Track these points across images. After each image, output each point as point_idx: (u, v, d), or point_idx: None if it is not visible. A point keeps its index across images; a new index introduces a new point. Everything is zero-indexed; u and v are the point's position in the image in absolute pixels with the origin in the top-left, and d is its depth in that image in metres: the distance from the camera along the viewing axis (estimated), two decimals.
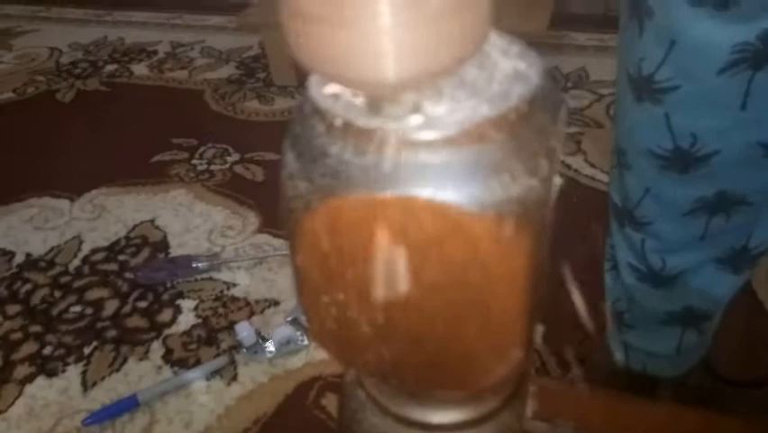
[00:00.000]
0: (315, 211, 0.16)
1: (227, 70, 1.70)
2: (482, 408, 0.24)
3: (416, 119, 0.15)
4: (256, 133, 1.44)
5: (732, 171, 0.54)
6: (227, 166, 1.33)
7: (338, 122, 0.15)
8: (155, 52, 1.83)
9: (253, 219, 1.17)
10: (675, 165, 0.54)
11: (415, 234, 0.15)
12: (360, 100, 0.16)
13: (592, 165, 1.19)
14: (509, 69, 0.16)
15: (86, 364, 0.92)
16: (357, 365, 0.21)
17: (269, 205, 1.20)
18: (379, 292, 0.17)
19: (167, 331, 0.96)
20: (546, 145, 0.15)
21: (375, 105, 0.15)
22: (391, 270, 0.16)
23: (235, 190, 1.25)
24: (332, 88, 0.16)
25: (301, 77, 1.59)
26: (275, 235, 1.13)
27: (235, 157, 1.35)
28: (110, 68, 1.77)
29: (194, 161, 1.35)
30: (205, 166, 1.33)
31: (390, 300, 0.17)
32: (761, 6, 0.44)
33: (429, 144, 0.15)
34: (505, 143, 0.15)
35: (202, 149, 1.39)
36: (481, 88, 0.15)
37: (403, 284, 0.17)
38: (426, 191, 0.15)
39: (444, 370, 0.19)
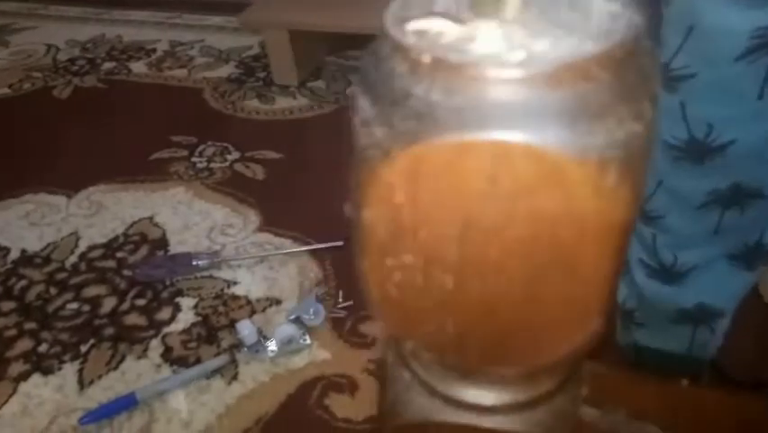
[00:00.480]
0: (395, 158, 0.15)
1: (227, 69, 1.69)
2: (536, 390, 0.23)
3: (516, 54, 0.14)
4: (257, 131, 1.42)
5: (747, 163, 0.53)
6: (227, 164, 1.31)
7: (426, 58, 0.14)
8: (154, 51, 1.82)
9: (254, 218, 1.16)
10: (689, 156, 0.54)
11: (507, 181, 0.14)
12: (448, 36, 0.14)
13: None
14: (605, 8, 0.15)
15: (82, 362, 0.90)
16: (415, 337, 0.19)
17: (270, 203, 1.18)
18: (457, 251, 0.16)
19: (166, 329, 0.94)
20: (650, 89, 0.14)
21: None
22: (475, 224, 0.15)
23: (236, 189, 1.24)
24: (416, 24, 0.15)
25: (301, 77, 1.58)
26: (276, 234, 1.11)
27: (235, 155, 1.33)
28: (108, 65, 1.75)
29: (193, 159, 1.33)
30: (204, 164, 1.32)
31: (467, 261, 0.16)
32: None
33: (529, 81, 0.13)
34: (610, 84, 0.14)
35: (201, 147, 1.37)
36: (580, 27, 0.14)
37: (486, 241, 0.15)
38: (524, 134, 0.14)
39: (513, 342, 0.18)
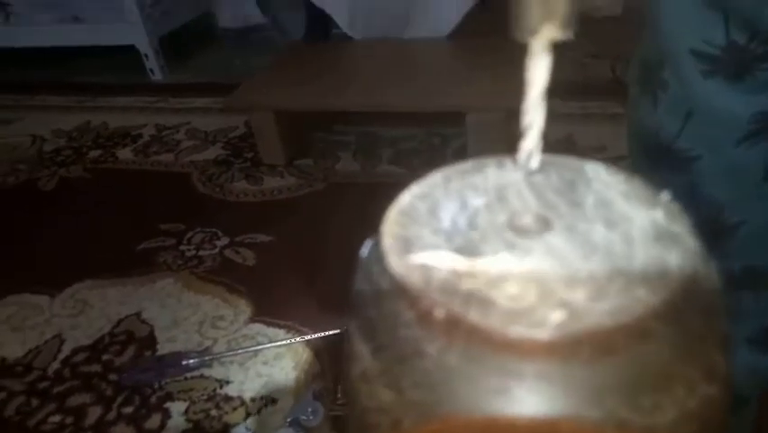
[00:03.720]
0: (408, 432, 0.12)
1: (214, 151, 1.68)
2: None
3: (555, 315, 0.11)
4: (245, 214, 1.40)
5: (758, 244, 0.52)
6: (216, 251, 1.28)
7: (439, 313, 0.11)
8: (140, 136, 1.82)
9: (245, 307, 1.11)
10: (702, 237, 0.52)
11: None
12: (464, 278, 0.12)
13: None
14: (646, 222, 0.12)
15: None
16: None
17: (262, 291, 1.14)
18: None
19: None
20: (718, 331, 0.11)
21: None
22: None
23: (225, 277, 1.20)
24: (421, 257, 0.12)
25: (289, 155, 1.57)
26: (269, 324, 1.07)
27: (224, 241, 1.31)
28: (94, 153, 1.75)
29: (181, 247, 1.30)
30: (193, 252, 1.28)
31: None
32: None
33: (573, 348, 0.11)
34: (673, 339, 0.11)
35: (190, 234, 1.34)
36: (622, 257, 0.12)
37: None
38: (571, 411, 0.11)
39: None
